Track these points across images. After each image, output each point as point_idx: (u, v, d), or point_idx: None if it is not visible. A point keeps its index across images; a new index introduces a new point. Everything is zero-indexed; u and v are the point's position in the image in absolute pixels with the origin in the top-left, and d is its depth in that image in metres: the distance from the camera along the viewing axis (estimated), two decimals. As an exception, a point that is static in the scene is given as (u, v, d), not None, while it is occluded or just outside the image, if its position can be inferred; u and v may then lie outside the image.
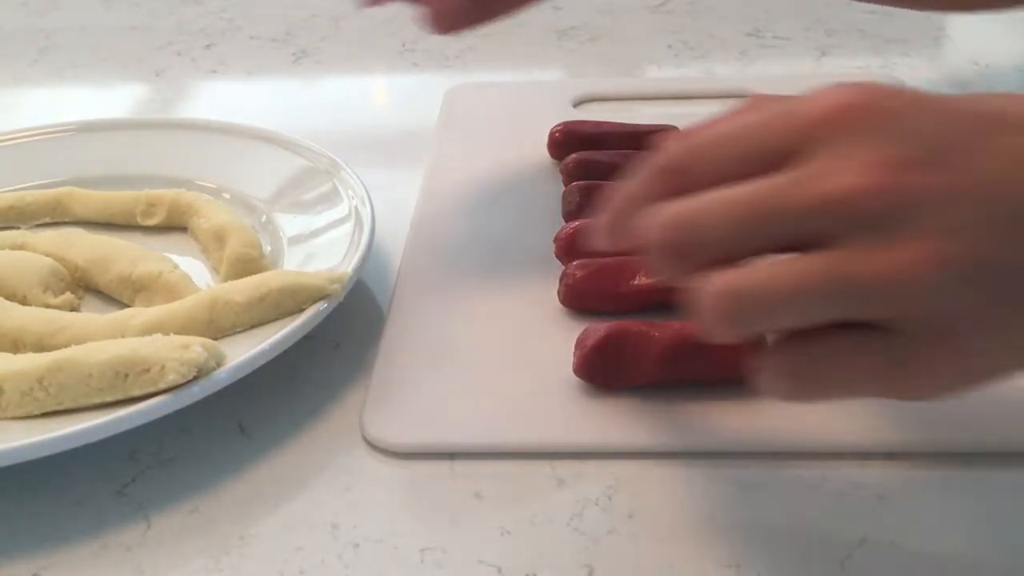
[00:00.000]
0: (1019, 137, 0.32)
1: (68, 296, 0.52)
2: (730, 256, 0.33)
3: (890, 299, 0.31)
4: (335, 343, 0.50)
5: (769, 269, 0.33)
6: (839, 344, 0.33)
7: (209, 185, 0.60)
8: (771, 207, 0.32)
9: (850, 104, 0.32)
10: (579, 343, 0.45)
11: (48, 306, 0.50)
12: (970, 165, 0.31)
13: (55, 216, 0.59)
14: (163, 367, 0.41)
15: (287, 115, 0.73)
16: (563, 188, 0.57)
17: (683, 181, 0.34)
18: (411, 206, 0.59)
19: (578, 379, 0.44)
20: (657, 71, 0.83)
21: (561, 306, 0.49)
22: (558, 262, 0.51)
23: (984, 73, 0.79)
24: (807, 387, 0.34)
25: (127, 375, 0.41)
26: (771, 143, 0.33)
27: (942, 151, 0.31)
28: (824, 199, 0.31)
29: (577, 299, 0.49)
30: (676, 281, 0.34)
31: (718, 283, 0.33)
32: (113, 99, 0.82)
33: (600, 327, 0.44)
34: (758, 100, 0.35)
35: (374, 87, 0.83)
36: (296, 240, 0.55)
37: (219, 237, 0.54)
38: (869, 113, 0.32)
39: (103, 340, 0.45)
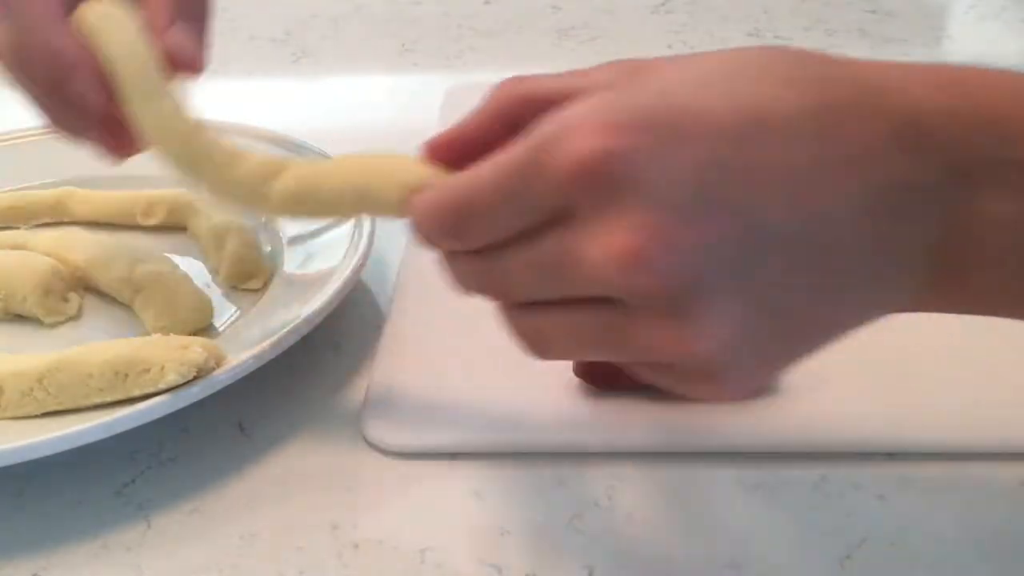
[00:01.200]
0: (776, 151, 0.29)
1: (73, 297, 0.52)
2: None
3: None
4: (335, 343, 0.50)
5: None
6: (561, 319, 0.31)
7: (209, 185, 0.60)
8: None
9: (595, 159, 0.29)
10: (579, 343, 0.45)
11: (47, 307, 0.50)
12: (730, 206, 0.29)
13: (55, 216, 0.59)
14: (163, 367, 0.41)
15: (287, 115, 0.73)
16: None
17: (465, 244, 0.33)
18: (411, 206, 0.59)
19: (578, 379, 0.44)
20: (657, 71, 0.82)
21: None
22: (558, 262, 0.51)
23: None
24: (540, 352, 0.33)
25: (127, 375, 0.41)
26: (535, 202, 0.31)
27: (700, 200, 0.29)
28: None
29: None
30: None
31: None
32: (113, 99, 0.82)
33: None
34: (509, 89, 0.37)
35: (374, 87, 0.83)
36: (296, 240, 0.54)
37: (219, 237, 0.54)
38: (619, 166, 0.29)
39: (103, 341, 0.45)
